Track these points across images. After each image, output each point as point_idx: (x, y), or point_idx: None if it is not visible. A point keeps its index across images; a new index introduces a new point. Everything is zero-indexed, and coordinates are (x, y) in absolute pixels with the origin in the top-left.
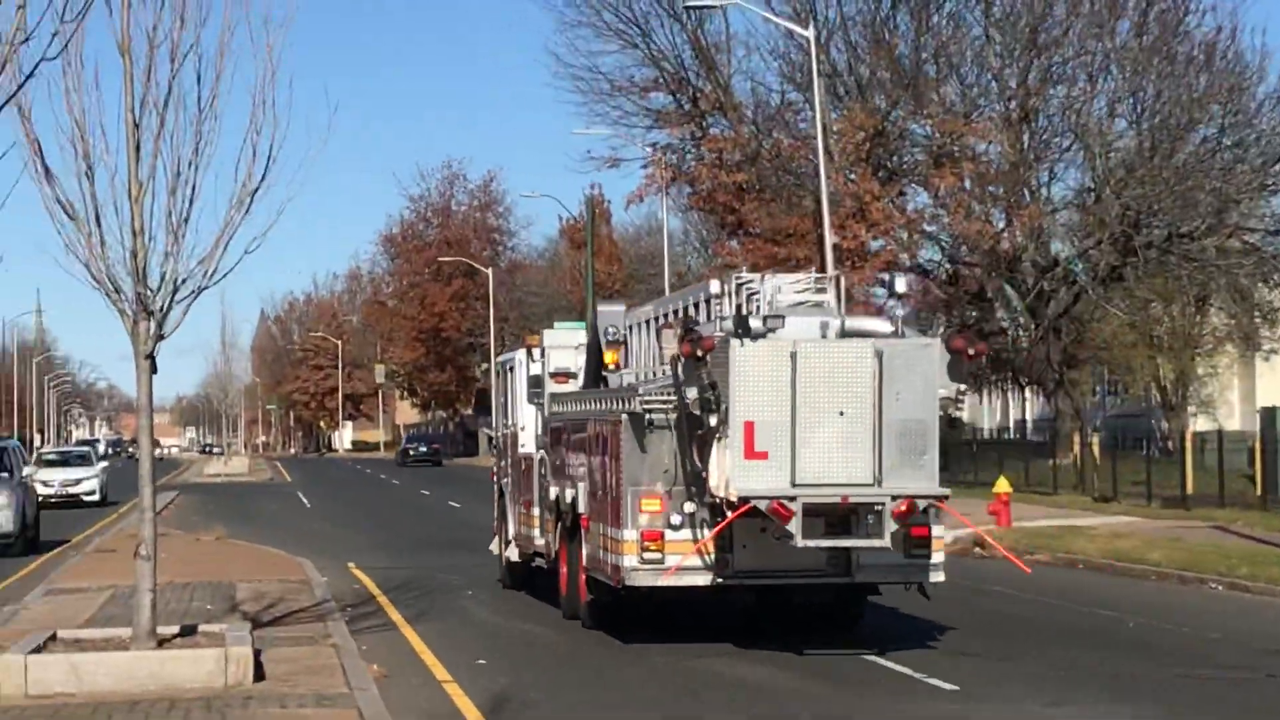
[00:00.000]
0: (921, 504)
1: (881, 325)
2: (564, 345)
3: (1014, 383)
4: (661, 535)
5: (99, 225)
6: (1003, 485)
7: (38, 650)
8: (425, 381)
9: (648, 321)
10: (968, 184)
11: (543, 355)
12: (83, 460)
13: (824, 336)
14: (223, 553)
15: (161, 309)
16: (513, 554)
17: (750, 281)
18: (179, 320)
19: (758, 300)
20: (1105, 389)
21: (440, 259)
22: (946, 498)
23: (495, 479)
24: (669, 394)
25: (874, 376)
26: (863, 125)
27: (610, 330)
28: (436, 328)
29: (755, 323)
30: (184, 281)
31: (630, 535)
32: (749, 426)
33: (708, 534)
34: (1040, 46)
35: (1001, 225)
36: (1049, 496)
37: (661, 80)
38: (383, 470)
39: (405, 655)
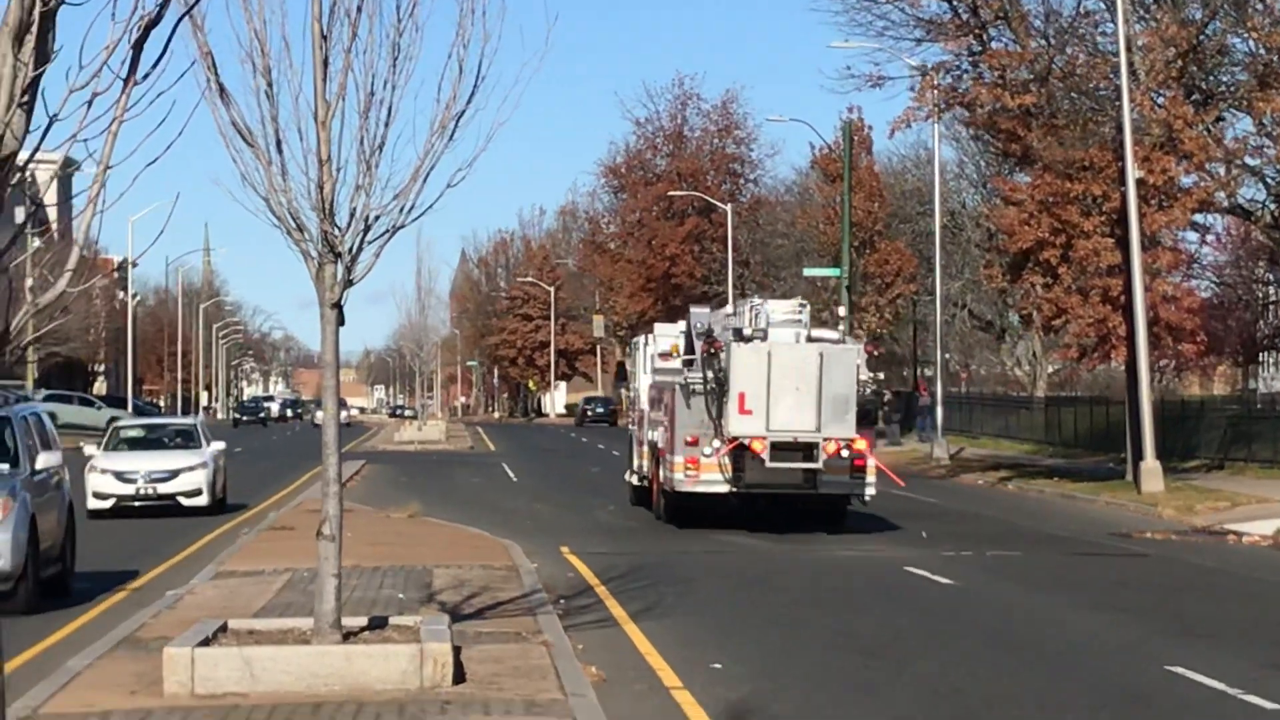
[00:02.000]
0: (844, 443)
1: (831, 335)
2: (668, 334)
3: None
4: (698, 461)
5: (280, 153)
6: None
7: (206, 642)
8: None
9: (698, 325)
10: None
11: (654, 340)
12: (184, 440)
13: (796, 342)
14: (417, 533)
15: (351, 250)
16: (634, 480)
17: (756, 304)
18: (370, 263)
19: (758, 316)
20: None
21: (671, 193)
22: (855, 440)
23: (628, 429)
24: (700, 373)
25: (818, 367)
26: (1174, 39)
27: (697, 324)
28: (667, 273)
29: (746, 332)
30: (377, 218)
31: (679, 459)
32: (741, 395)
33: (714, 458)
34: None
35: None
36: None
37: None
38: (601, 439)
39: (628, 656)
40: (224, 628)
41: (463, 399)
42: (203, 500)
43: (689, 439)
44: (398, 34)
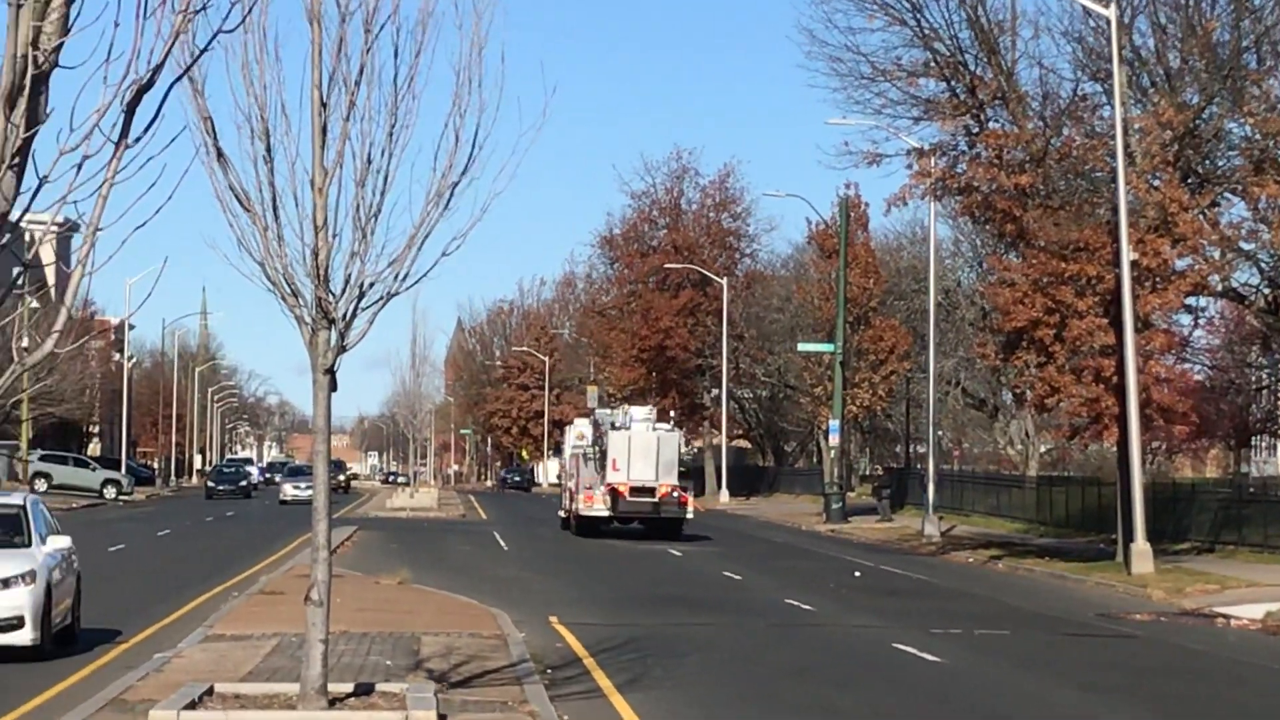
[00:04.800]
0: (671, 487)
1: (665, 426)
2: (582, 425)
3: None
4: (592, 498)
5: (277, 218)
6: None
7: (192, 706)
8: (645, 407)
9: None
10: None
11: (573, 428)
12: (2, 532)
13: (646, 430)
14: (406, 599)
15: (344, 317)
16: (561, 514)
17: (626, 409)
18: (364, 330)
19: (627, 415)
20: None
21: (667, 265)
22: (679, 487)
23: (562, 488)
24: (593, 447)
25: (657, 442)
26: (1170, 123)
27: (596, 420)
28: (660, 345)
29: (618, 424)
30: (371, 285)
31: (581, 496)
32: (614, 460)
33: (601, 497)
34: None
35: None
36: None
37: (933, 64)
38: None
39: None
40: (210, 691)
41: (455, 466)
42: (24, 636)
43: (587, 485)
44: (395, 103)
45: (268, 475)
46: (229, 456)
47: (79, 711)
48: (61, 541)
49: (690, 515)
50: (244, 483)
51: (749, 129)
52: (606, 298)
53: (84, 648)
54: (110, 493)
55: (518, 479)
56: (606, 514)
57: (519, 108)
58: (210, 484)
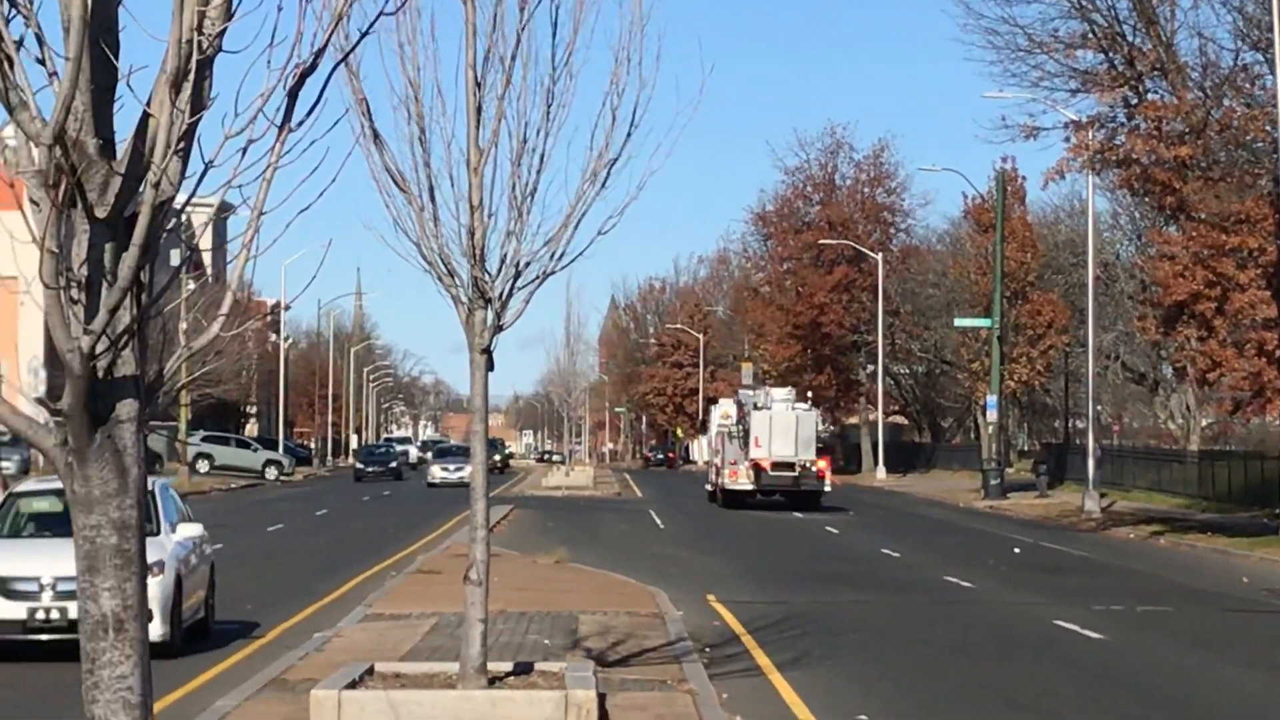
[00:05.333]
0: (809, 461)
1: (804, 405)
2: (726, 406)
3: None
4: (736, 473)
5: (432, 199)
6: None
7: (353, 685)
8: (800, 384)
9: (740, 400)
10: None
11: (718, 408)
12: None
13: (789, 408)
14: (563, 578)
15: (501, 296)
16: (708, 488)
17: (767, 390)
18: (520, 309)
19: (769, 396)
20: None
21: (821, 242)
22: (816, 460)
23: (709, 463)
24: (737, 426)
25: (796, 421)
26: None
27: (739, 400)
28: (815, 321)
29: (761, 404)
30: (527, 265)
31: (726, 472)
32: (756, 437)
33: (745, 471)
34: None
35: None
36: None
37: (1090, 35)
38: None
39: (774, 707)
40: (370, 671)
41: (610, 445)
42: (152, 631)
43: (732, 460)
44: (552, 82)
45: (422, 456)
46: (386, 435)
47: (240, 691)
48: (193, 529)
49: (828, 488)
50: (394, 464)
51: (904, 103)
52: (760, 274)
53: (218, 643)
54: (271, 473)
55: (660, 456)
56: (750, 487)
57: (676, 85)
58: (359, 465)
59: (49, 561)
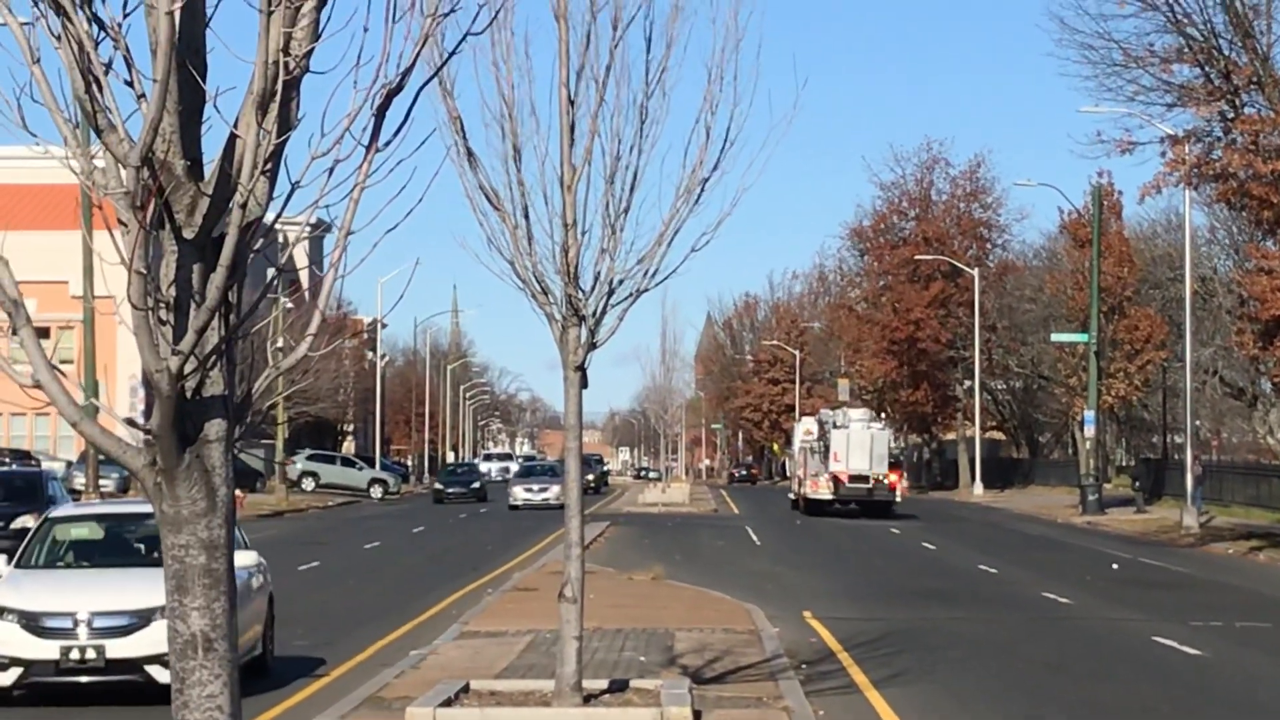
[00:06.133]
0: (882, 475)
1: (879, 424)
2: (807, 424)
3: None
4: (818, 484)
5: (526, 217)
6: None
7: (448, 703)
8: (897, 400)
9: (820, 419)
10: None
11: (800, 425)
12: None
13: (865, 427)
14: (659, 595)
15: (594, 313)
16: (791, 497)
17: (844, 411)
18: (614, 326)
19: (846, 416)
20: None
21: (917, 257)
22: (889, 475)
23: (792, 475)
24: (818, 442)
25: (871, 438)
26: None
27: (820, 419)
28: (912, 337)
29: (838, 423)
30: (621, 282)
31: (808, 483)
32: (835, 453)
33: (825, 483)
34: None
35: None
36: None
37: (1186, 49)
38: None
39: None
40: (466, 688)
41: (706, 461)
42: None
43: (813, 473)
44: (645, 99)
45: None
46: (485, 452)
47: (337, 709)
48: (247, 558)
49: (899, 499)
50: (476, 484)
51: (999, 118)
52: (856, 290)
53: (277, 682)
54: (376, 492)
55: (743, 473)
56: (830, 497)
57: (769, 101)
58: (438, 486)
59: (86, 596)
